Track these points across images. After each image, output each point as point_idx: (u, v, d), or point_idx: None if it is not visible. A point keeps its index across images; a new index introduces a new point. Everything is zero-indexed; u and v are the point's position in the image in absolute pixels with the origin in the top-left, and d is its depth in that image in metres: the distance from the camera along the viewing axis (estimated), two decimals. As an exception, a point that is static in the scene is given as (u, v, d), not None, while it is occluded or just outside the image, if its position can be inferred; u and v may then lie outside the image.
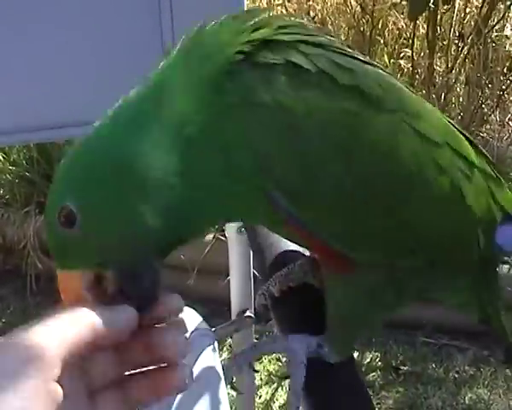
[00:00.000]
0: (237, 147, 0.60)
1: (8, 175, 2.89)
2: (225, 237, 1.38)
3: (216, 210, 0.63)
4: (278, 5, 3.23)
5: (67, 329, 0.52)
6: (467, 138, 0.73)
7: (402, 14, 3.13)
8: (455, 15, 3.06)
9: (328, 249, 0.67)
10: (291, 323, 0.85)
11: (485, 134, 2.96)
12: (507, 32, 3.28)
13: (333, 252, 0.67)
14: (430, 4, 2.62)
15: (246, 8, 1.06)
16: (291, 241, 0.80)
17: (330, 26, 3.18)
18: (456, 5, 3.04)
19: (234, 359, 0.80)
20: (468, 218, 0.70)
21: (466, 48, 3.01)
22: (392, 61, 3.04)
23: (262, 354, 0.79)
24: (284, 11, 3.19)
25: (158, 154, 0.57)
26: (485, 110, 3.04)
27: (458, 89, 3.05)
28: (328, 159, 0.61)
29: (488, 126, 3.01)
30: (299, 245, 0.81)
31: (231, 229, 1.32)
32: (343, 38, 3.13)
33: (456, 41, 3.05)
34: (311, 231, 0.65)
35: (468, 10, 3.13)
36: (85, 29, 1.08)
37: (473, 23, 3.07)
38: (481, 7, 2.98)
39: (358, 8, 3.06)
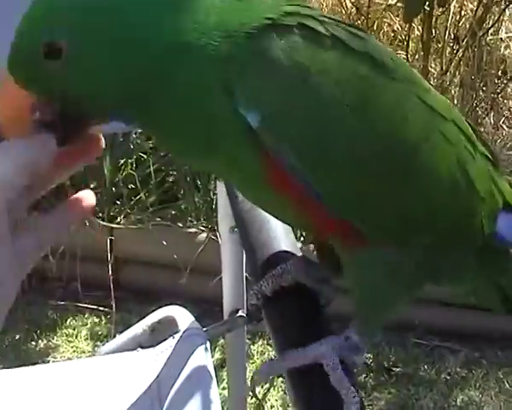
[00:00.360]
0: (243, 94, 0.61)
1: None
2: (218, 237, 1.38)
3: (178, 119, 0.62)
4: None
5: None
6: (469, 125, 0.74)
7: (397, 15, 3.13)
8: (450, 18, 3.06)
9: (332, 220, 0.67)
10: (283, 323, 0.84)
11: (478, 136, 2.96)
12: (501, 34, 3.29)
13: (338, 223, 0.67)
14: (425, 7, 2.62)
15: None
16: (272, 213, 0.78)
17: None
18: (452, 8, 3.05)
19: (261, 369, 0.79)
20: (471, 196, 0.70)
21: (461, 50, 3.01)
22: (386, 62, 3.04)
23: (292, 367, 0.76)
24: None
25: (162, 22, 0.60)
26: (479, 113, 3.05)
27: (453, 91, 3.05)
28: (339, 117, 0.62)
29: (482, 129, 3.01)
30: (283, 220, 0.80)
31: (224, 229, 1.31)
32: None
33: (451, 43, 3.05)
34: (316, 193, 0.64)
35: (463, 13, 3.14)
36: None
37: (467, 26, 3.07)
38: (476, 10, 2.99)
39: (354, 10, 3.06)
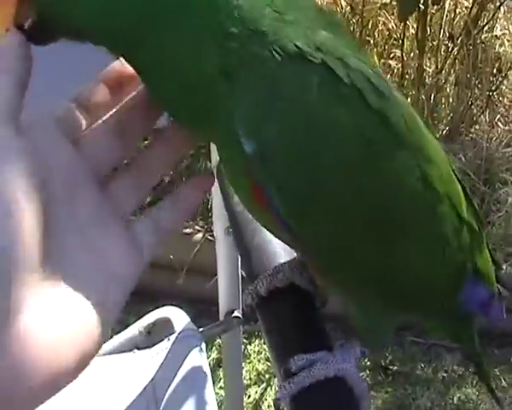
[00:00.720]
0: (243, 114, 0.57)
1: None
2: (214, 238, 1.38)
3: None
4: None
5: None
6: (460, 183, 0.74)
7: (392, 14, 3.13)
8: (444, 16, 3.07)
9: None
10: (278, 323, 0.85)
11: (474, 135, 2.97)
12: (496, 32, 3.29)
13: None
14: (420, 5, 2.62)
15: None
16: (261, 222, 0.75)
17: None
18: (446, 6, 3.05)
19: (285, 386, 0.77)
20: (446, 267, 0.72)
21: (456, 48, 3.01)
22: (382, 61, 3.04)
23: (315, 380, 0.75)
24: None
25: None
26: (475, 111, 3.05)
27: (448, 89, 3.06)
28: (332, 173, 0.59)
29: (477, 127, 3.02)
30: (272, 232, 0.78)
31: (219, 229, 1.31)
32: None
33: (446, 41, 3.05)
34: (289, 228, 0.63)
35: (458, 11, 3.14)
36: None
37: (462, 23, 3.08)
38: (471, 7, 2.99)
39: (348, 8, 3.06)
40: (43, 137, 0.53)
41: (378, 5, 3.09)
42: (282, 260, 0.88)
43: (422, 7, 2.66)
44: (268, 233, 0.89)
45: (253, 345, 2.47)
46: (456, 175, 0.74)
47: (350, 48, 0.62)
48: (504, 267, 2.42)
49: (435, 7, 2.89)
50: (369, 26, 3.10)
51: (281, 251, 0.90)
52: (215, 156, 1.18)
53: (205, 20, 0.55)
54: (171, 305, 1.22)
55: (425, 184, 0.65)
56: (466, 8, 3.19)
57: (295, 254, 0.88)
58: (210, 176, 0.64)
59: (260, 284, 0.86)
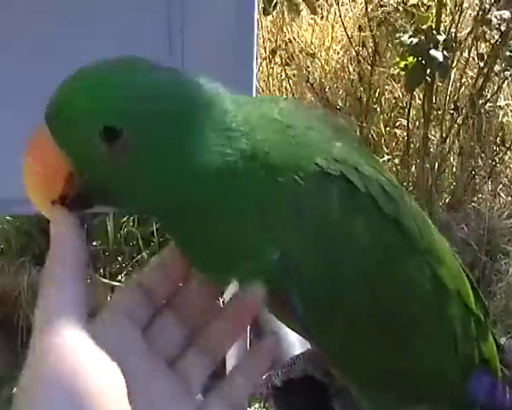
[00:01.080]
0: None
1: (4, 226, 2.90)
2: (220, 301, 1.39)
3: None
4: (279, 68, 3.29)
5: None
6: (465, 274, 0.77)
7: (398, 82, 3.19)
8: (450, 86, 3.13)
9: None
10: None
11: (476, 204, 3.00)
12: (500, 102, 3.35)
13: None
14: (427, 77, 2.68)
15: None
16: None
17: (328, 92, 3.24)
18: (452, 76, 3.11)
19: None
20: (455, 361, 0.74)
21: (460, 118, 3.07)
22: (387, 129, 3.10)
23: None
24: (284, 75, 3.25)
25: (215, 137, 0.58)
26: (478, 180, 3.09)
27: (452, 158, 3.10)
28: (352, 283, 0.63)
29: (480, 196, 3.06)
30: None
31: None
32: (340, 104, 3.19)
33: (451, 111, 3.11)
34: (309, 334, 0.67)
35: (463, 81, 3.20)
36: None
37: (467, 94, 3.14)
38: (476, 78, 3.05)
39: (356, 77, 3.12)
40: (114, 327, 0.56)
41: (386, 75, 3.15)
42: (297, 352, 0.90)
43: (429, 79, 2.71)
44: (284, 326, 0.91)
45: None
46: (461, 267, 0.77)
47: (362, 156, 0.66)
48: (505, 340, 2.43)
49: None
50: (377, 94, 3.15)
51: (295, 341, 0.92)
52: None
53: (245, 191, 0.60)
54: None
55: (436, 284, 0.69)
56: (471, 78, 3.25)
57: (309, 346, 0.90)
58: (274, 340, 0.66)
59: (275, 375, 0.88)
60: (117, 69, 0.59)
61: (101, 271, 2.70)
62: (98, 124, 0.55)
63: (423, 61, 2.61)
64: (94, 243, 2.75)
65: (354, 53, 3.17)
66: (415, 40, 2.62)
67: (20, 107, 1.03)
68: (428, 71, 2.63)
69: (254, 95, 1.12)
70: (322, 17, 3.56)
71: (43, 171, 0.58)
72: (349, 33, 3.20)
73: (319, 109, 0.70)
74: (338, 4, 3.36)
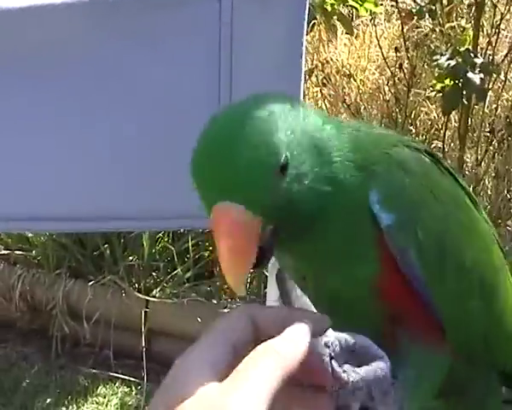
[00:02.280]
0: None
1: (42, 237, 2.95)
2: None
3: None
4: (315, 90, 3.31)
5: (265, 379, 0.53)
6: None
7: (434, 104, 3.20)
8: (486, 109, 3.12)
9: (424, 320, 0.73)
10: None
11: (511, 228, 2.99)
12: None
13: (428, 323, 0.73)
14: (463, 100, 2.68)
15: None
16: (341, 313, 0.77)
17: (364, 112, 3.25)
18: (488, 98, 3.11)
19: None
20: None
21: (496, 141, 3.06)
22: (423, 150, 3.09)
23: None
24: (320, 95, 3.27)
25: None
26: (512, 204, 3.08)
27: (487, 181, 3.10)
28: (455, 236, 0.73)
29: (514, 220, 3.05)
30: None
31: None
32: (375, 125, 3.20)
33: (487, 134, 3.10)
34: (428, 298, 0.71)
35: (499, 103, 3.20)
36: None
37: (503, 117, 3.13)
38: (513, 101, 3.05)
39: (393, 98, 3.13)
40: None
41: (421, 96, 3.15)
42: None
43: (466, 102, 2.71)
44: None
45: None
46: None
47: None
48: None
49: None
50: (412, 116, 3.16)
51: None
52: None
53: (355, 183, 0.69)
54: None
55: (499, 252, 0.81)
56: (507, 100, 3.25)
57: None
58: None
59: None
60: (275, 113, 0.64)
61: (136, 285, 2.73)
62: (277, 165, 0.61)
63: (460, 84, 2.62)
64: (129, 258, 2.78)
65: (390, 74, 3.18)
66: (452, 63, 2.63)
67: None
68: (465, 93, 2.64)
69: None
70: (356, 37, 3.58)
71: (239, 244, 0.60)
72: (385, 54, 3.21)
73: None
74: (374, 25, 3.38)
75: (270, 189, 0.61)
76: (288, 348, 0.56)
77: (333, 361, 0.61)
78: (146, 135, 1.10)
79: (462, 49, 2.72)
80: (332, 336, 0.63)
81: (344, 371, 0.62)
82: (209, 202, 0.61)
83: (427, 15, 2.98)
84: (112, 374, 2.70)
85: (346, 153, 0.68)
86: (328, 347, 0.62)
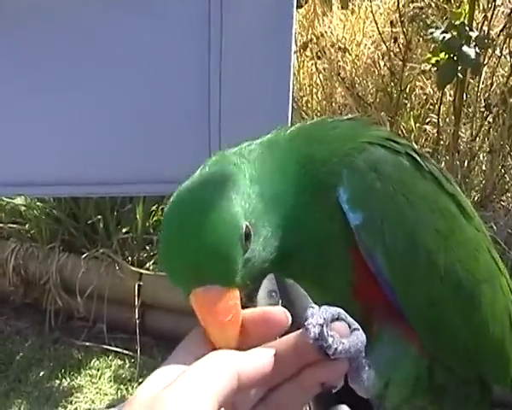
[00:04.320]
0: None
1: (35, 211, 2.94)
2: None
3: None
4: (310, 64, 3.29)
5: (213, 381, 0.54)
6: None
7: (429, 79, 3.19)
8: (481, 84, 3.11)
9: (400, 321, 0.72)
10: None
11: (505, 203, 2.99)
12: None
13: (404, 324, 0.72)
14: (458, 74, 2.67)
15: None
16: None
17: (359, 87, 3.24)
18: (483, 73, 3.10)
19: None
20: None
21: (491, 116, 3.06)
22: (417, 125, 3.09)
23: None
24: (314, 69, 3.26)
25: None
26: (507, 179, 3.08)
27: (482, 156, 3.09)
28: (427, 240, 0.70)
29: (509, 195, 3.05)
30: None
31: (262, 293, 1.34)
32: (370, 100, 3.19)
33: (482, 109, 3.09)
34: (395, 298, 0.70)
35: (494, 79, 3.19)
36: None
37: (499, 92, 3.12)
38: (508, 76, 3.04)
39: (388, 72, 3.12)
40: None
41: (417, 71, 3.14)
42: None
43: (461, 76, 2.70)
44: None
45: None
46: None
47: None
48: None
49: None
50: (407, 90, 3.15)
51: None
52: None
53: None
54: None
55: (493, 262, 0.77)
56: (502, 76, 3.24)
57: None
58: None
59: None
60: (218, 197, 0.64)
61: (130, 258, 2.72)
62: (240, 238, 0.62)
63: (455, 58, 2.61)
64: (123, 231, 2.77)
65: (385, 48, 3.17)
66: (447, 36, 2.61)
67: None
68: (460, 67, 2.63)
69: (290, 84, 1.13)
70: (353, 12, 3.56)
71: (224, 321, 0.61)
72: (380, 29, 3.19)
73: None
74: (370, 0, 3.36)
75: (242, 260, 0.63)
76: (246, 356, 0.58)
77: (324, 327, 0.61)
78: (137, 97, 1.10)
79: (457, 23, 2.71)
80: (316, 307, 0.63)
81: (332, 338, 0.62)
82: (185, 288, 0.62)
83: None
84: (105, 347, 2.71)
85: (303, 185, 0.69)
86: (314, 315, 0.62)
